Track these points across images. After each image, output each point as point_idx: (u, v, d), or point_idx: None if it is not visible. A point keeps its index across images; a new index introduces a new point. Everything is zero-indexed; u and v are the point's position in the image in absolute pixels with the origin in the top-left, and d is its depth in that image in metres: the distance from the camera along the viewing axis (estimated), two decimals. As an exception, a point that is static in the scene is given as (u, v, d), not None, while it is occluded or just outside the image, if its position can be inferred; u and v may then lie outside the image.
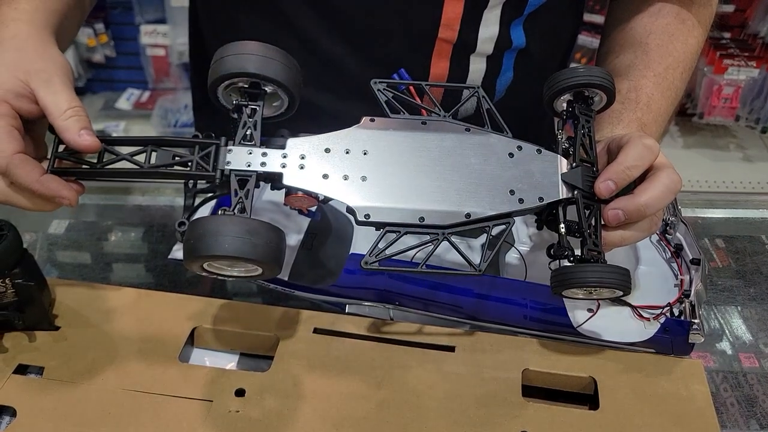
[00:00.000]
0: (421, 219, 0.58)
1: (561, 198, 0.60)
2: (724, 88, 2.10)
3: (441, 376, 0.63)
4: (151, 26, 2.15)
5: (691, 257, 0.72)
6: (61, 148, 0.58)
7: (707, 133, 2.27)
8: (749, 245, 0.86)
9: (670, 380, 0.63)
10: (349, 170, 0.58)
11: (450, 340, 0.66)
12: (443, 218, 0.58)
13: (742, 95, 2.11)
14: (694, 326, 0.64)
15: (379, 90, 0.62)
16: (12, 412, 0.59)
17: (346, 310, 0.70)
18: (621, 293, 0.59)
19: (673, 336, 0.65)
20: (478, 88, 0.64)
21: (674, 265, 0.74)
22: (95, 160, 0.58)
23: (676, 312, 0.68)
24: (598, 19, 2.09)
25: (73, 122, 0.56)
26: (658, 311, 0.69)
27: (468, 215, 0.58)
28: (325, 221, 0.79)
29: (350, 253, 0.70)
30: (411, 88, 0.65)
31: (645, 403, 0.61)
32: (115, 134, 2.20)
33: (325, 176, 0.58)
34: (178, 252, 0.73)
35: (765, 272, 0.81)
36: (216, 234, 0.51)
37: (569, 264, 0.59)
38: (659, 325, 0.67)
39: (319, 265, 0.75)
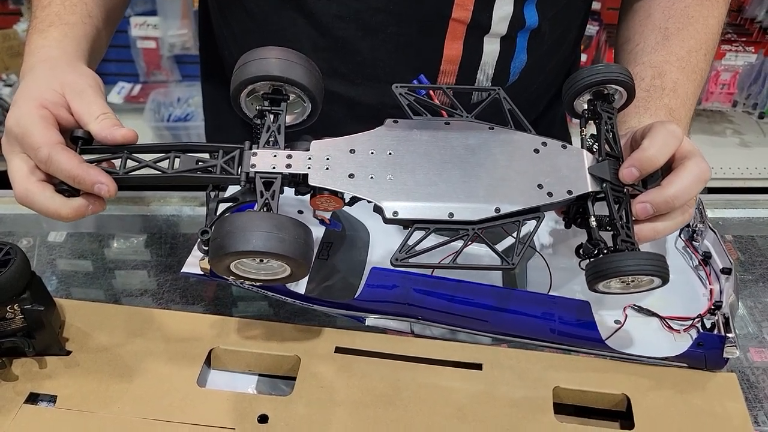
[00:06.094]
0: (451, 215, 0.57)
1: (590, 191, 0.59)
2: (721, 73, 2.08)
3: (470, 396, 0.61)
4: (141, 18, 2.09)
5: (721, 266, 0.70)
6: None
7: (704, 119, 2.26)
8: (761, 241, 0.85)
9: (705, 396, 0.61)
10: (375, 170, 0.58)
11: (476, 356, 0.64)
12: (473, 213, 0.57)
13: (739, 81, 2.09)
14: (729, 340, 0.62)
15: (401, 94, 0.62)
16: (25, 445, 0.56)
17: (367, 323, 0.68)
18: (660, 282, 0.57)
19: (707, 350, 0.63)
20: (498, 89, 0.64)
21: (702, 273, 0.72)
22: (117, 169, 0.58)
23: (707, 324, 0.66)
24: (595, 5, 2.06)
25: (107, 123, 0.58)
26: (689, 323, 0.67)
27: (497, 209, 0.57)
28: (341, 230, 0.77)
29: (371, 267, 0.68)
30: (431, 92, 0.64)
31: (680, 421, 0.59)
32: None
33: (351, 176, 0.58)
34: (190, 266, 0.70)
35: (776, 266, 0.80)
36: (244, 230, 0.50)
37: (604, 255, 0.58)
38: (690, 339, 0.65)
39: (336, 276, 0.73)
